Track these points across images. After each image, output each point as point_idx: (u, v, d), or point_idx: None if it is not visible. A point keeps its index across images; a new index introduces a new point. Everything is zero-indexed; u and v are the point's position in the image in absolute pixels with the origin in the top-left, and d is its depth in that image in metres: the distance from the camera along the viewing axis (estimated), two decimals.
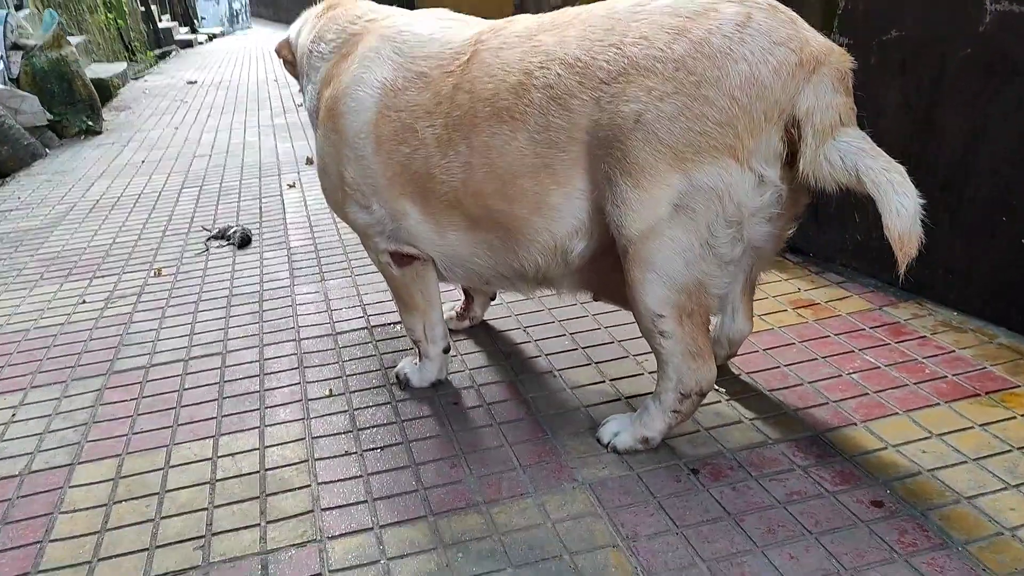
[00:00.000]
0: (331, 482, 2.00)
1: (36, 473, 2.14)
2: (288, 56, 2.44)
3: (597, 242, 1.84)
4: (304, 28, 2.37)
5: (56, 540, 1.87)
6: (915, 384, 2.19)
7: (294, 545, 1.79)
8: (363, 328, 2.85)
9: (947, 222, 2.53)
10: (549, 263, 1.92)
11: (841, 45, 2.68)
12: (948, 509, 1.72)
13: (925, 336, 2.43)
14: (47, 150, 6.85)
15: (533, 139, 1.77)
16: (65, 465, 2.16)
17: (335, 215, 2.70)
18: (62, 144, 7.19)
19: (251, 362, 2.66)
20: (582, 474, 1.94)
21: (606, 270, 1.88)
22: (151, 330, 2.99)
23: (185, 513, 1.93)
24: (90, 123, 7.61)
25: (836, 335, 2.49)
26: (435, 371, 2.37)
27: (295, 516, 1.89)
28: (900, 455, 1.91)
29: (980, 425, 1.99)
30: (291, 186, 4.98)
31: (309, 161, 5.57)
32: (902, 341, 2.42)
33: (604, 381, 2.35)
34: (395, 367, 2.48)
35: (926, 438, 1.96)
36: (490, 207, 1.89)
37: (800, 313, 2.65)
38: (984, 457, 1.87)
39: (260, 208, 4.54)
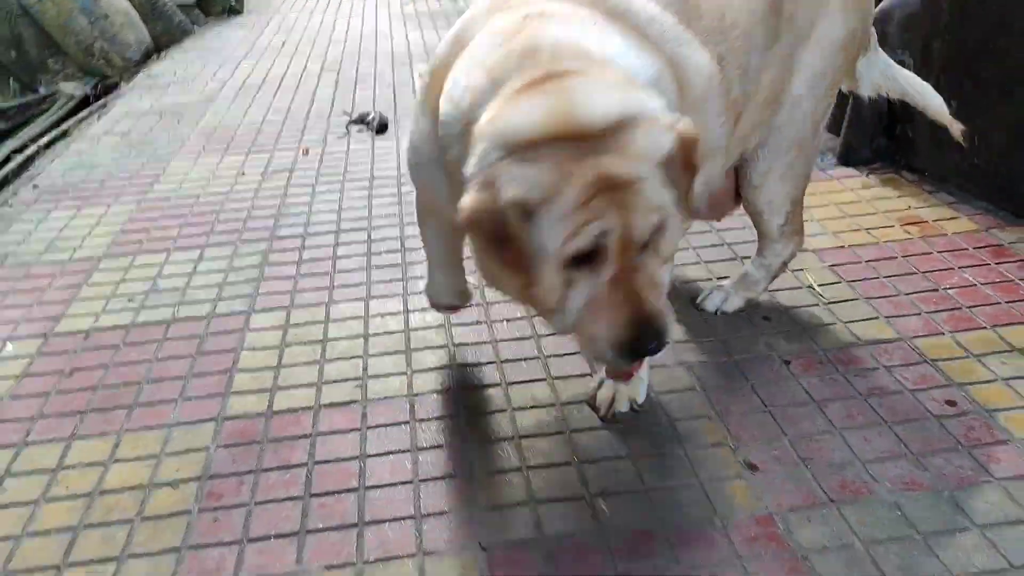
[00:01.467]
0: (464, 344, 2.33)
1: (220, 317, 2.55)
2: None
3: None
4: None
5: (242, 371, 2.28)
6: (1007, 303, 2.33)
7: (435, 391, 2.14)
8: None
9: None
10: None
11: None
12: (1015, 412, 1.91)
13: None
14: (195, 27, 7.28)
15: None
16: (243, 312, 2.57)
17: None
18: (208, 22, 7.61)
19: (393, 238, 2.99)
20: (683, 356, 2.21)
21: None
22: (304, 203, 3.36)
23: (345, 359, 2.30)
24: (233, 2, 7.99)
25: (939, 252, 2.63)
26: None
27: (435, 368, 2.23)
28: (980, 364, 2.09)
29: None
30: (421, 76, 5.23)
31: None
32: (1002, 263, 2.54)
33: (699, 263, 2.58)
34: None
35: (1008, 351, 2.13)
36: None
37: (907, 230, 2.79)
38: None
39: (394, 96, 4.83)
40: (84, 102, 5.55)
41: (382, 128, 4.21)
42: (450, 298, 2.26)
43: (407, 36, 6.51)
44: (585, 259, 1.42)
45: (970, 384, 2.02)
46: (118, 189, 3.64)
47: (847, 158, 3.33)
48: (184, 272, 2.84)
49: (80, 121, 4.92)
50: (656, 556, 1.62)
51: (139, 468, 1.93)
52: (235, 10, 7.96)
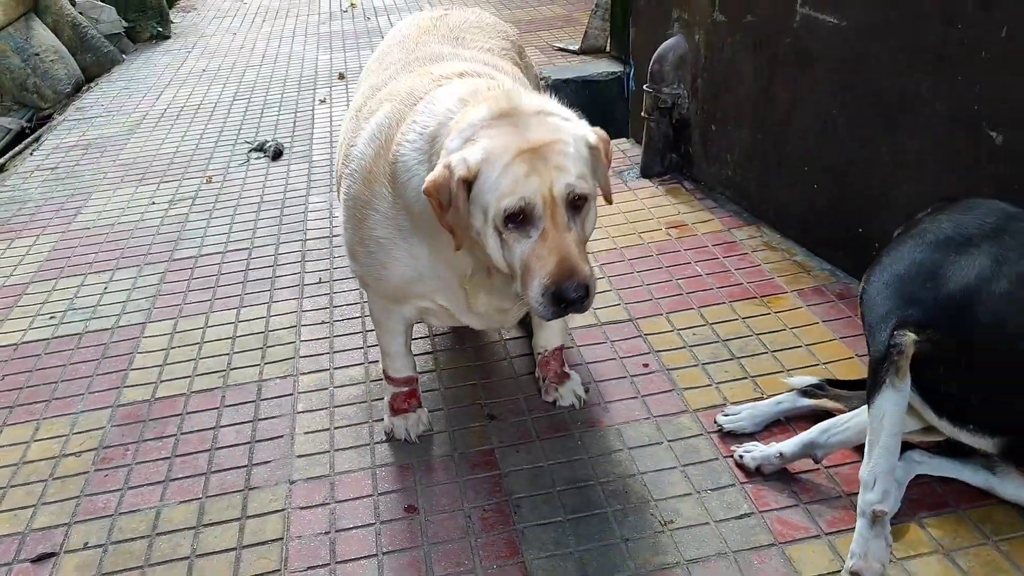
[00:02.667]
0: (310, 340, 3.05)
1: (122, 328, 3.25)
2: None
3: None
4: None
5: (135, 369, 2.98)
6: (717, 288, 3.10)
7: (279, 377, 2.86)
8: None
9: (776, 166, 3.36)
10: None
11: (719, 21, 3.49)
12: (687, 370, 2.67)
13: (747, 253, 3.32)
14: (123, 56, 7.87)
15: None
16: (140, 323, 3.26)
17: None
18: (136, 49, 8.20)
19: (268, 256, 3.70)
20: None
21: None
22: (200, 228, 4.05)
23: (214, 356, 3.01)
24: (160, 28, 8.58)
25: (685, 250, 3.39)
26: None
27: (283, 360, 2.95)
28: (678, 335, 2.85)
29: (743, 318, 2.91)
30: (322, 101, 5.92)
31: (341, 76, 6.47)
32: (729, 256, 3.31)
33: None
34: None
35: (701, 326, 2.89)
36: None
37: (669, 232, 3.55)
38: (728, 339, 2.80)
39: (294, 122, 5.51)
40: (20, 135, 6.17)
41: (277, 155, 4.90)
42: (408, 371, 2.51)
43: (317, 59, 7.17)
44: (519, 220, 1.79)
45: (664, 351, 2.78)
46: (45, 221, 4.31)
47: (646, 171, 4.09)
48: (96, 292, 3.52)
49: (15, 156, 5.55)
50: None
51: (53, 444, 2.63)
52: (163, 35, 8.55)
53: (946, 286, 1.92)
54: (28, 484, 2.47)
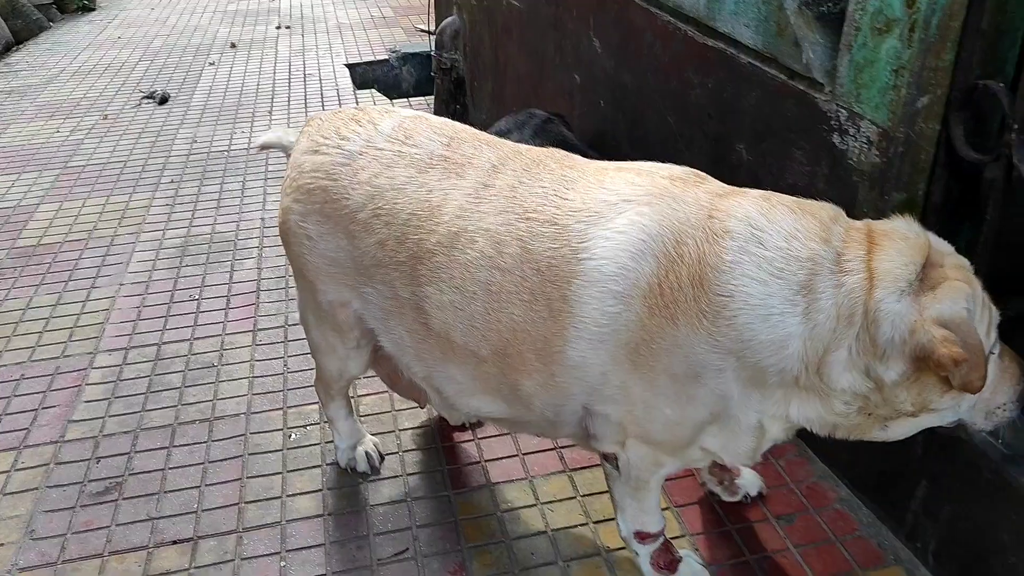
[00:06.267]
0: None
1: (22, 206, 4.49)
2: None
3: None
4: None
5: (31, 225, 4.24)
6: None
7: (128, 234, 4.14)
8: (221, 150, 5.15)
9: (501, 106, 4.73)
10: None
11: (474, 4, 4.84)
12: None
13: None
14: (51, 23, 9.00)
15: None
16: (35, 204, 4.51)
17: None
18: (63, 18, 9.32)
19: (139, 164, 4.97)
20: None
21: None
22: (91, 148, 5.30)
23: (92, 229, 4.28)
24: (86, 1, 9.71)
25: None
26: None
27: (137, 222, 4.23)
28: None
29: None
30: (212, 64, 7.18)
31: (232, 45, 7.72)
32: None
33: None
34: None
35: None
36: None
37: None
38: None
39: (184, 79, 6.76)
40: None
41: (163, 101, 6.15)
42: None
43: (217, 31, 8.40)
44: None
45: None
46: None
47: None
48: (6, 186, 4.76)
49: None
50: None
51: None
52: (88, 7, 9.68)
53: None
54: None
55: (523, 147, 2.03)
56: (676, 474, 2.44)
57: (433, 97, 5.59)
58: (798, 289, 1.60)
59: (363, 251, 2.01)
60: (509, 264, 1.80)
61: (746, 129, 2.58)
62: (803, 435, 2.48)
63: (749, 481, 2.38)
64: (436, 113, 5.45)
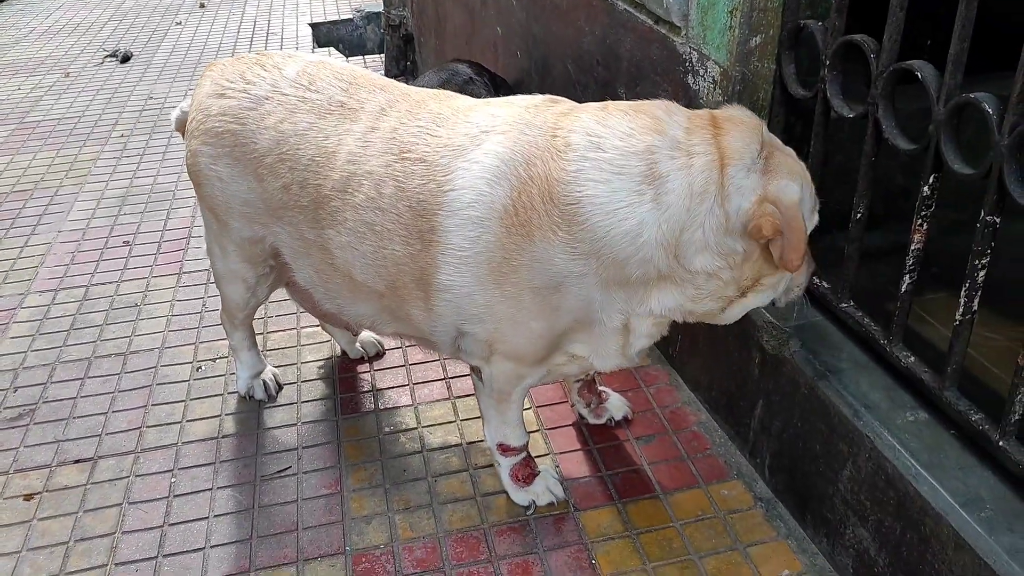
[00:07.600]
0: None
1: None
2: None
3: None
4: None
5: None
6: None
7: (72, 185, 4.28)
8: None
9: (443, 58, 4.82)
10: None
11: None
12: None
13: None
14: None
15: None
16: None
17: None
18: None
19: (96, 114, 5.09)
20: None
21: None
22: (50, 103, 5.42)
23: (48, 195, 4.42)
24: None
25: None
26: None
27: (82, 174, 4.37)
28: None
29: None
30: (179, 23, 7.26)
31: (202, 5, 7.79)
32: None
33: None
34: None
35: None
36: None
37: None
38: None
39: (149, 38, 6.85)
40: None
41: (125, 59, 6.26)
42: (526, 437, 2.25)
43: None
44: None
45: None
46: None
47: (387, 74, 5.55)
48: None
49: None
50: None
51: None
52: None
53: None
54: None
55: (412, 89, 2.14)
56: (550, 401, 2.60)
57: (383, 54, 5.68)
58: (641, 180, 1.71)
59: (271, 194, 2.15)
60: (387, 204, 1.95)
61: (624, 74, 2.69)
62: (673, 363, 2.67)
63: (615, 406, 2.51)
64: (386, 70, 5.55)
